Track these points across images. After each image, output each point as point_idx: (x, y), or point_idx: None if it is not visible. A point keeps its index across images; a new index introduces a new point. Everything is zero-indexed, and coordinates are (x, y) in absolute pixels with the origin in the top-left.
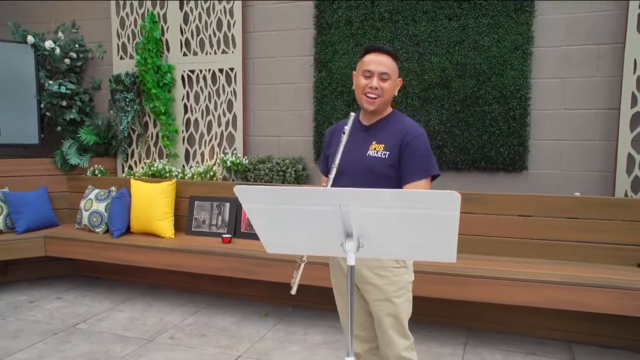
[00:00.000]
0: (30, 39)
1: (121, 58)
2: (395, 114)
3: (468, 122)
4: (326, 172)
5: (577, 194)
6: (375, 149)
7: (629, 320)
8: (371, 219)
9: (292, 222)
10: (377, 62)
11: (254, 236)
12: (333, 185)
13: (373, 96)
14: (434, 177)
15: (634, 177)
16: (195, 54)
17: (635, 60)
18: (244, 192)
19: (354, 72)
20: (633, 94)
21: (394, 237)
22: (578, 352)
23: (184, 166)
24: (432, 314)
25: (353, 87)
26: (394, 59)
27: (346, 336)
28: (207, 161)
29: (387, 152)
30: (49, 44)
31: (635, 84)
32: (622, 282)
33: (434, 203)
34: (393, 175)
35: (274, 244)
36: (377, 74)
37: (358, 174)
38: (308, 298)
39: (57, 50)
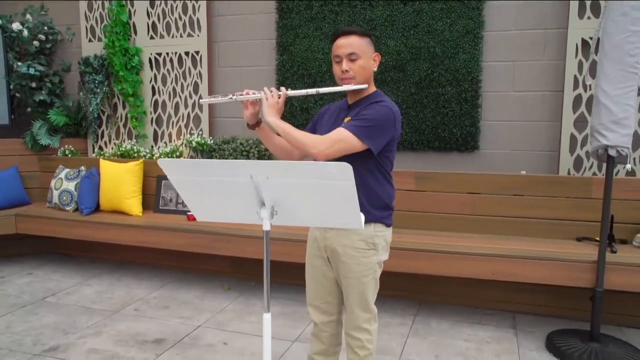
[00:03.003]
0: None
1: (90, 41)
2: (377, 93)
3: (422, 104)
4: None
5: (524, 172)
6: (345, 122)
7: (565, 290)
8: (279, 189)
9: (214, 192)
10: (343, 45)
11: None
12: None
13: (347, 78)
14: (376, 152)
15: (576, 156)
16: (162, 37)
17: (576, 44)
18: (166, 165)
19: None
20: (575, 76)
21: (302, 206)
22: (520, 321)
23: (152, 146)
24: (387, 287)
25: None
26: (361, 36)
27: (264, 297)
28: (174, 142)
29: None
30: (16, 25)
31: (577, 67)
32: (559, 255)
33: (329, 174)
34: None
35: (202, 213)
36: (345, 56)
37: None
38: (271, 273)
39: (25, 32)
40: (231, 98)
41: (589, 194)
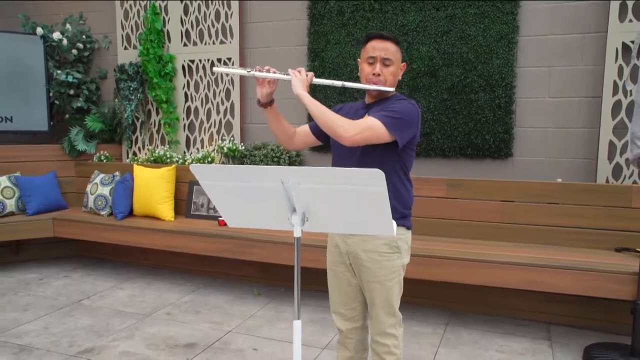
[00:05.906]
0: (39, 30)
1: (125, 48)
2: (397, 95)
3: (455, 110)
4: (314, 127)
5: (559, 180)
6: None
7: (602, 301)
8: (310, 195)
9: (245, 198)
10: (380, 48)
11: None
12: (334, 161)
13: (377, 81)
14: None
15: (615, 164)
16: (195, 44)
17: (617, 49)
18: (198, 170)
19: (358, 59)
20: (615, 82)
21: (333, 212)
22: (555, 332)
23: (184, 152)
24: (418, 295)
25: (359, 73)
26: (396, 44)
27: (295, 304)
28: (206, 148)
29: None
30: (57, 35)
31: (617, 72)
32: (597, 265)
33: (361, 180)
34: (380, 146)
35: (233, 218)
36: (380, 59)
37: (349, 149)
38: (301, 279)
39: (65, 41)
40: (249, 72)
41: (628, 203)
